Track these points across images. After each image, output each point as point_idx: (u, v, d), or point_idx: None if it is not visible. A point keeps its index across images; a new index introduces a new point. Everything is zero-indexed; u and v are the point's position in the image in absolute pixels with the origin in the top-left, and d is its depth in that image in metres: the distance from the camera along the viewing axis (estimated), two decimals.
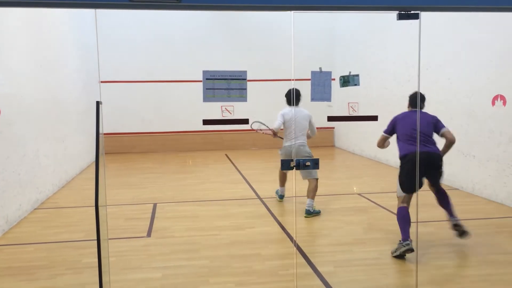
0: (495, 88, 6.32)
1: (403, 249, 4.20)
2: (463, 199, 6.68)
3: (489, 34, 6.47)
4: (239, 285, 3.78)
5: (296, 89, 5.98)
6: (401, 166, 4.67)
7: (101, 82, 11.41)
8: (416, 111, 4.77)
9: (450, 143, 4.74)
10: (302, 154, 5.98)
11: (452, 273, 3.98)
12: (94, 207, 2.90)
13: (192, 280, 3.89)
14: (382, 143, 5.00)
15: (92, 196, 2.98)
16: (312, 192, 5.95)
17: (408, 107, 4.94)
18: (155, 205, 6.47)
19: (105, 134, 13.14)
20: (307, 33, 12.27)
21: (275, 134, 6.33)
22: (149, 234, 5.18)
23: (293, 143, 6.06)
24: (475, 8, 3.65)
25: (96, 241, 2.98)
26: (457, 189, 7.25)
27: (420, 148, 4.42)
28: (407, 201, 4.51)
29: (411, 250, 4.17)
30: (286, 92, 6.33)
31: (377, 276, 3.93)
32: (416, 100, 4.71)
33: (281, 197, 6.63)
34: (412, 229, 4.62)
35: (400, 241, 4.30)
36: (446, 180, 7.54)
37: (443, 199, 4.77)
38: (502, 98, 6.07)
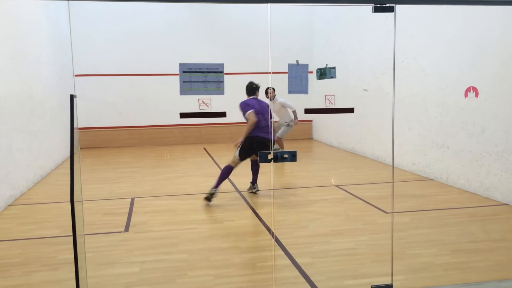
0: (467, 80, 6.46)
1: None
2: (438, 189, 6.83)
3: (462, 27, 6.59)
4: (218, 277, 3.79)
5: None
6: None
7: (76, 75, 11.21)
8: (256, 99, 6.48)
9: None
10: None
11: (427, 262, 4.07)
12: (69, 203, 2.86)
13: (171, 273, 3.89)
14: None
15: (68, 192, 2.94)
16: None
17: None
18: (132, 200, 6.42)
19: (80, 128, 13.02)
20: (285, 25, 12.27)
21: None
22: (126, 229, 5.14)
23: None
24: (448, 2, 3.72)
25: (72, 237, 2.94)
26: (432, 179, 7.40)
27: (265, 134, 6.20)
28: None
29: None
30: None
31: (354, 265, 4.00)
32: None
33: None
34: (385, 220, 4.71)
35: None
36: (422, 171, 7.72)
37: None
38: (475, 90, 6.21)
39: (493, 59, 6.02)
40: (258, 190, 6.63)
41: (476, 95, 6.15)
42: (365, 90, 8.69)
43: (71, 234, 2.95)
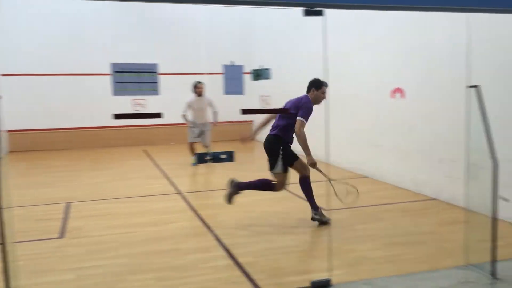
0: (397, 81, 6.80)
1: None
2: (373, 186, 7.13)
3: (391, 30, 6.93)
4: (159, 280, 3.74)
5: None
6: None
7: (3, 75, 10.58)
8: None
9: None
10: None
11: (362, 256, 4.25)
12: None
13: (110, 279, 3.79)
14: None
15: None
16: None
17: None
18: (68, 205, 6.17)
19: (11, 131, 12.27)
20: (223, 26, 12.29)
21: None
22: (62, 235, 4.94)
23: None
24: (376, 7, 3.89)
25: (0, 245, 2.79)
26: (367, 177, 7.71)
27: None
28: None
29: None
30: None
31: (294, 262, 4.10)
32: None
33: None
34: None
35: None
36: (358, 169, 8.02)
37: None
38: (401, 90, 6.55)
39: (420, 61, 6.39)
40: (326, 220, 5.13)
41: (402, 95, 6.49)
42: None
43: (0, 242, 2.80)
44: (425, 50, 6.29)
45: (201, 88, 8.39)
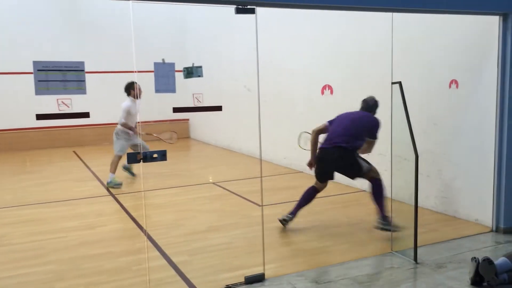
0: (327, 78, 7.01)
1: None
2: (307, 180, 7.25)
3: (321, 29, 7.14)
4: (89, 285, 3.61)
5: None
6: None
7: None
8: (362, 112, 5.10)
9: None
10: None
11: (297, 248, 4.36)
12: None
13: (35, 287, 3.60)
14: (321, 132, 5.17)
15: None
16: (111, 166, 6.90)
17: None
18: None
19: None
20: (155, 24, 12.04)
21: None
22: None
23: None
24: (305, 6, 4.00)
25: None
26: (301, 172, 7.90)
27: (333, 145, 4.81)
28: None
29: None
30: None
31: (229, 259, 4.11)
32: (371, 107, 5.01)
33: (119, 184, 6.91)
34: (258, 213, 4.94)
35: None
36: (293, 165, 8.19)
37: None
38: (329, 87, 6.77)
39: (346, 58, 6.63)
40: (394, 228, 4.42)
41: (331, 92, 6.71)
42: (248, 89, 8.85)
43: None
44: (353, 48, 6.54)
45: (138, 90, 6.89)
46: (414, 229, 3.93)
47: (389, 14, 4.18)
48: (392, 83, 4.02)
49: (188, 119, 13.23)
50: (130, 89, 7.00)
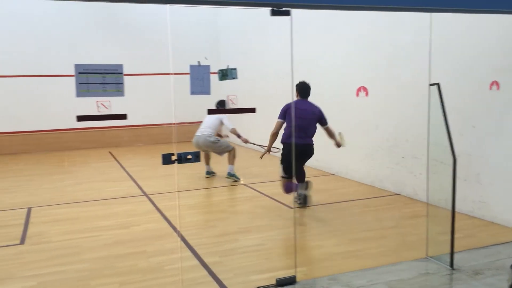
0: (361, 80, 6.93)
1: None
2: (339, 183, 7.24)
3: (356, 29, 7.06)
4: (123, 284, 3.68)
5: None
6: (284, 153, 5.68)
7: None
8: (305, 100, 5.77)
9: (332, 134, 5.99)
10: (206, 144, 7.34)
11: (328, 252, 4.31)
12: None
13: (72, 284, 3.70)
14: (278, 129, 5.68)
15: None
16: (232, 159, 7.63)
17: (297, 96, 5.82)
18: (29, 210, 5.99)
19: None
20: (189, 27, 12.21)
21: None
22: (22, 241, 4.78)
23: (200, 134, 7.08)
24: (341, 7, 3.96)
25: None
26: (333, 174, 7.83)
27: (301, 140, 5.47)
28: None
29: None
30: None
31: (260, 261, 4.11)
32: (304, 90, 5.80)
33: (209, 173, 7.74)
34: (290, 215, 4.91)
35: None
36: (325, 167, 8.13)
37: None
38: (365, 89, 6.68)
39: (381, 59, 6.53)
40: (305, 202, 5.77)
41: (366, 94, 6.62)
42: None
43: None
44: (388, 49, 6.44)
45: None
46: (450, 234, 3.82)
47: (426, 13, 4.08)
48: (430, 84, 3.93)
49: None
50: (224, 105, 7.45)
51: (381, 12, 5.98)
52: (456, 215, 3.88)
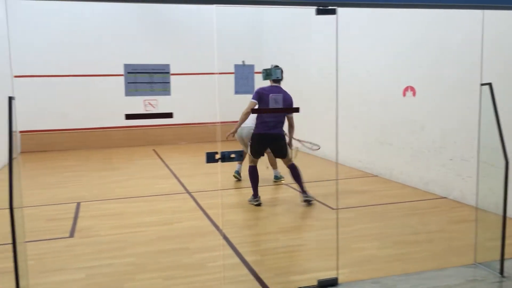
0: (407, 79, 6.77)
1: (256, 203, 5.86)
2: (382, 185, 7.10)
3: (401, 28, 6.90)
4: (166, 279, 3.77)
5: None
6: (253, 138, 6.05)
7: (15, 76, 10.70)
8: (278, 87, 5.85)
9: (293, 127, 6.22)
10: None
11: (370, 254, 4.24)
12: (7, 209, 2.75)
13: (118, 278, 3.82)
14: (250, 110, 5.78)
15: (6, 198, 2.83)
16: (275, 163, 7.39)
17: (270, 81, 5.92)
18: (78, 204, 6.23)
19: (21, 132, 12.40)
20: (233, 26, 12.31)
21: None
22: (72, 234, 4.99)
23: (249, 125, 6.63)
24: (388, 5, 3.89)
25: (11, 245, 2.83)
26: (376, 175, 7.69)
27: (271, 130, 5.86)
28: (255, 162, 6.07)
29: (260, 204, 5.87)
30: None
31: (301, 261, 4.10)
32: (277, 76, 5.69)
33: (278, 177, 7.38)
34: (331, 216, 4.85)
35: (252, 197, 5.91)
36: (367, 168, 7.99)
37: (293, 173, 6.07)
38: (412, 89, 6.52)
39: (429, 58, 6.35)
40: (311, 200, 5.98)
41: (414, 94, 6.46)
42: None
43: (11, 242, 2.84)
44: (436, 48, 6.25)
45: None
46: (501, 240, 3.67)
47: (477, 11, 3.94)
48: (482, 84, 3.78)
49: None
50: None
51: (429, 10, 5.82)
52: (508, 220, 3.72)
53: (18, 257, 2.89)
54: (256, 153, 6.04)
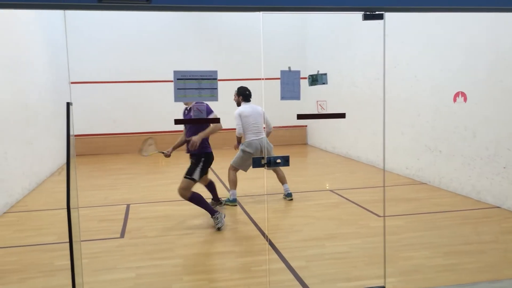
0: (459, 85, 6.55)
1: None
2: (431, 192, 6.90)
3: (452, 32, 6.70)
4: (212, 281, 3.83)
5: (245, 87, 6.78)
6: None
7: (71, 83, 11.24)
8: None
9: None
10: (268, 148, 6.44)
11: (419, 264, 4.13)
12: (65, 210, 2.90)
13: (166, 278, 3.92)
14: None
15: (63, 199, 2.98)
16: (284, 178, 6.73)
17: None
18: (128, 206, 6.45)
19: (76, 135, 12.92)
20: (278, 32, 12.38)
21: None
22: (122, 235, 5.17)
23: (261, 137, 6.45)
24: (437, 9, 3.80)
25: (68, 244, 2.98)
26: (425, 183, 7.48)
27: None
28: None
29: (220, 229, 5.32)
30: (238, 89, 6.75)
31: (347, 268, 4.05)
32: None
33: (234, 200, 6.43)
34: (378, 223, 4.75)
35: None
36: (415, 175, 7.79)
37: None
38: (463, 94, 6.31)
39: (483, 64, 6.12)
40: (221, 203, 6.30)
41: (465, 99, 6.25)
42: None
43: (67, 240, 2.98)
44: (490, 53, 6.03)
45: None
46: None
47: None
48: None
49: (306, 126, 13.33)
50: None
51: (480, 14, 5.63)
52: None
53: (74, 255, 3.03)
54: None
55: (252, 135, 6.44)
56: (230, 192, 6.43)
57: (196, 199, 5.37)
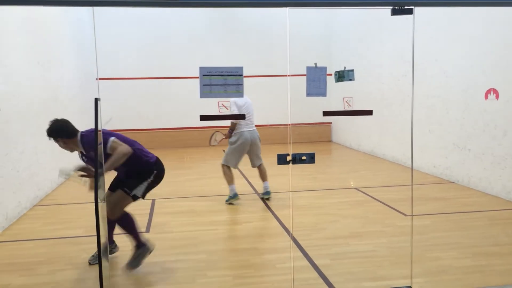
0: (489, 82, 6.38)
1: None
2: (459, 192, 6.75)
3: (483, 28, 6.52)
4: (236, 277, 3.84)
5: None
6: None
7: (99, 79, 11.43)
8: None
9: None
10: (258, 141, 6.52)
11: (447, 265, 4.04)
12: (93, 203, 2.95)
13: (191, 273, 3.95)
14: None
15: (91, 193, 3.03)
16: (266, 175, 6.56)
17: None
18: (153, 201, 6.52)
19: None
20: (304, 28, 12.30)
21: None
22: (148, 230, 5.23)
23: (251, 129, 6.48)
24: (467, 3, 3.70)
25: (96, 237, 3.03)
26: (454, 182, 7.32)
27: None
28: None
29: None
30: None
31: (372, 268, 3.99)
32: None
33: (235, 195, 6.29)
34: (404, 223, 4.66)
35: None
36: (443, 174, 7.63)
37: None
38: (495, 91, 6.13)
39: None
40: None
41: (497, 97, 6.07)
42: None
43: (95, 234, 3.03)
44: None
45: None
46: None
47: None
48: None
49: (330, 123, 13.22)
50: None
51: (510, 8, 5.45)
52: None
53: (101, 249, 3.08)
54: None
55: (244, 126, 6.36)
56: (229, 188, 6.38)
57: (126, 223, 4.12)
